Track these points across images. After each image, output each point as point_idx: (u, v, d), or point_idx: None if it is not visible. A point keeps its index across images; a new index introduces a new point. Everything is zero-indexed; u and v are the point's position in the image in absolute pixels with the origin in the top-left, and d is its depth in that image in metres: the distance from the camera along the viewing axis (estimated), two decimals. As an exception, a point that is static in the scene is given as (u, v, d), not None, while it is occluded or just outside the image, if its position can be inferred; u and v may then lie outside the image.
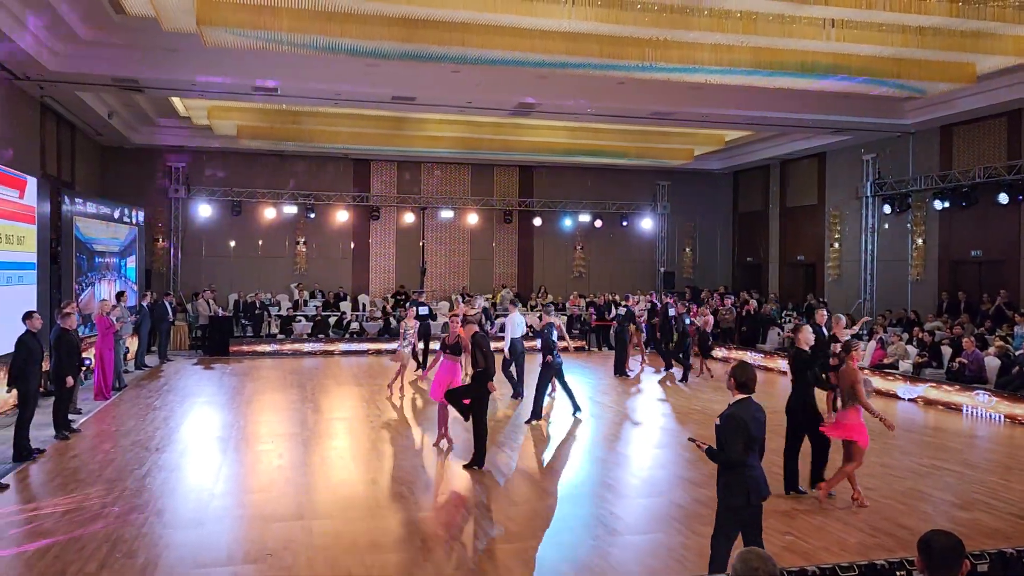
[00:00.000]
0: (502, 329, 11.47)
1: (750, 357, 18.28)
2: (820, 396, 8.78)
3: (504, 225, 25.43)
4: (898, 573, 4.71)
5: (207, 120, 19.40)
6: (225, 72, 14.11)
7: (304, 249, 23.98)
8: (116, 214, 17.53)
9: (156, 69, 13.81)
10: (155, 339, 18.60)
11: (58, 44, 13.15)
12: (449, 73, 14.87)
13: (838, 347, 7.87)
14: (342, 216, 23.76)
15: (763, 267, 25.24)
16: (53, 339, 9.99)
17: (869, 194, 20.40)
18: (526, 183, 25.72)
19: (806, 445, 8.12)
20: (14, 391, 10.50)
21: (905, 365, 14.59)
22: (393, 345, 13.61)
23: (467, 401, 8.53)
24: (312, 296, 23.42)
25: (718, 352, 19.27)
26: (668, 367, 16.49)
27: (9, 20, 11.67)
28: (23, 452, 8.94)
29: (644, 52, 11.98)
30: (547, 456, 9.29)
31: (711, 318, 16.82)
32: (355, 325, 21.91)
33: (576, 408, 11.45)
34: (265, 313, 21.37)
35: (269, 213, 23.09)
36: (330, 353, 19.93)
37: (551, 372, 11.06)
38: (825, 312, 10.60)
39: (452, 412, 9.50)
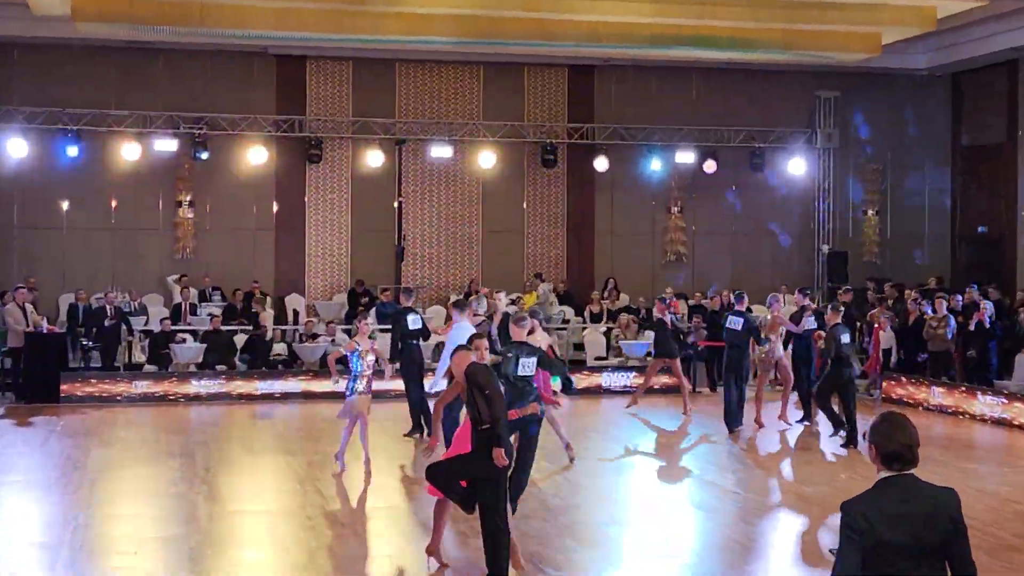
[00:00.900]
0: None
1: (981, 404, 17.93)
2: None
3: (543, 171, 25.58)
4: None
5: (19, -12, 19.42)
6: None
7: (191, 215, 24.16)
8: None
9: None
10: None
11: None
12: None
13: None
14: (257, 156, 23.88)
15: (1005, 241, 25.20)
16: None
17: None
18: (581, 96, 25.75)
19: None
20: None
21: None
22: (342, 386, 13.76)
23: (465, 483, 8.84)
24: (205, 298, 23.55)
25: (915, 392, 18.92)
26: (806, 415, 17.33)
27: None
28: None
29: None
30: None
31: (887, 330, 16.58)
32: (280, 349, 21.84)
33: None
34: (123, 328, 21.45)
35: (129, 152, 23.22)
36: (238, 397, 20.06)
37: (528, 455, 10.70)
38: None
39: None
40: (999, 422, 17.48)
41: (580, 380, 20.54)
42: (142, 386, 19.73)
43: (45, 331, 20.03)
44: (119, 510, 11.85)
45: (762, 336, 16.97)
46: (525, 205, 25.75)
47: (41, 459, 14.71)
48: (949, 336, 19.76)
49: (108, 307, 21.23)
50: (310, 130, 24.42)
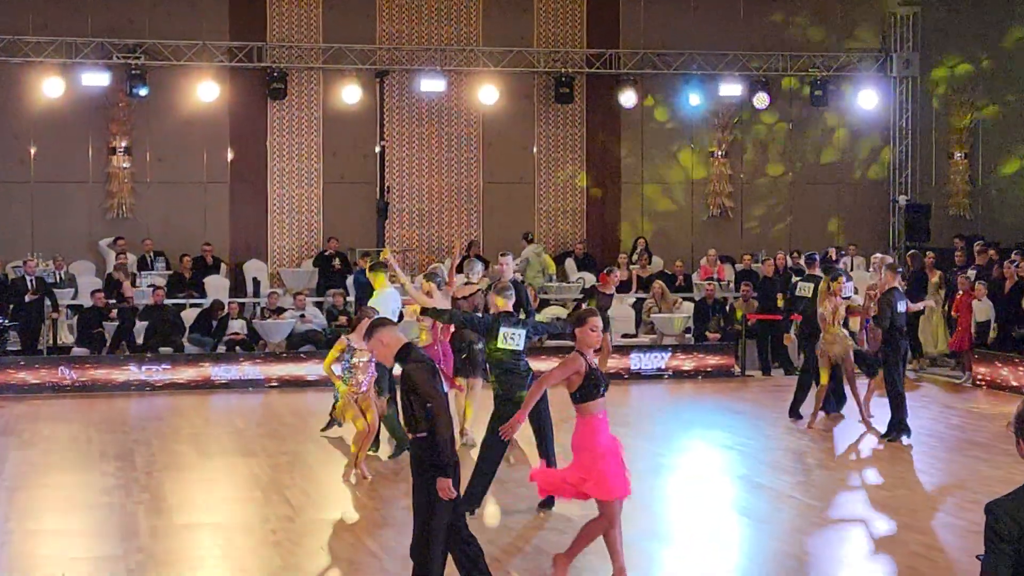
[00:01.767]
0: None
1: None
2: None
3: (557, 108, 25.56)
4: None
5: None
6: None
7: (127, 165, 24.17)
8: None
9: None
10: None
11: None
12: None
13: None
14: (207, 92, 23.85)
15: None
16: None
17: None
18: (603, 15, 25.71)
19: None
20: None
21: None
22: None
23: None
24: (146, 266, 23.57)
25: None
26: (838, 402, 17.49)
27: None
28: None
29: None
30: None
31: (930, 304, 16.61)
32: (238, 325, 21.93)
33: None
34: (46, 303, 21.40)
35: (51, 88, 23.20)
36: (186, 386, 20.13)
37: (497, 452, 11.45)
38: None
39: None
40: None
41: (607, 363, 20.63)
42: (69, 373, 19.74)
43: (-49, 307, 20.08)
44: (43, 525, 11.74)
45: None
46: (535, 150, 25.72)
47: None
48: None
49: (28, 278, 21.15)
50: (271, 60, 24.33)
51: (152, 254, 23.80)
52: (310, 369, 19.87)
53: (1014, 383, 19.09)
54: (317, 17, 24.78)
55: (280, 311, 21.77)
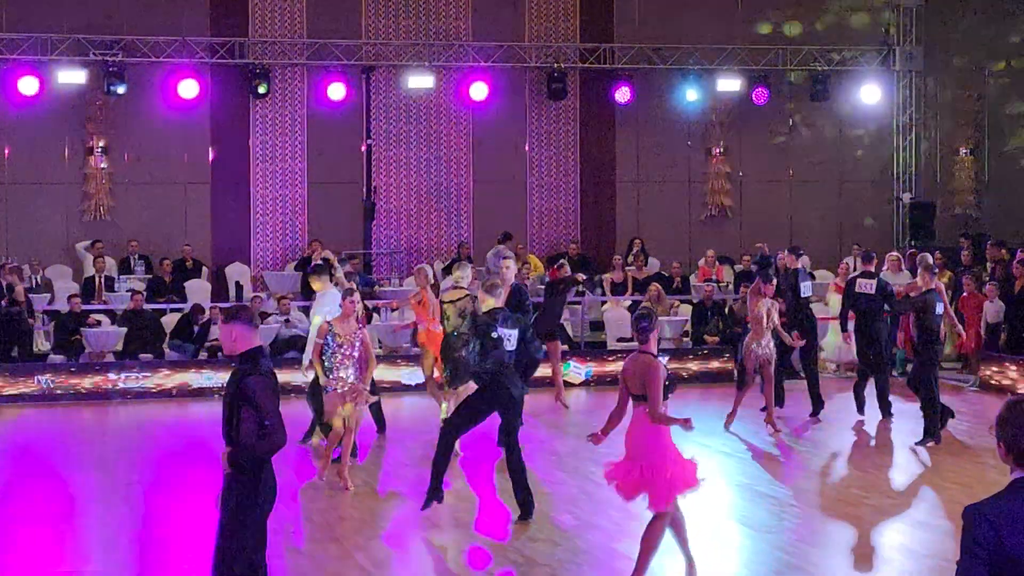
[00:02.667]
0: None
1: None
2: None
3: (549, 105, 25.61)
4: None
5: None
6: None
7: (104, 166, 24.16)
8: None
9: None
10: None
11: None
12: None
13: None
14: (187, 90, 23.80)
15: None
16: None
17: None
18: (597, 7, 25.81)
19: None
20: None
21: None
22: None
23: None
24: (126, 270, 23.55)
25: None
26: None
27: None
28: None
29: None
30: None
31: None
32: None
33: None
34: (22, 310, 21.17)
35: (25, 86, 23.12)
36: (168, 393, 20.13)
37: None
38: None
39: None
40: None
41: (601, 367, 20.59)
42: (45, 381, 19.73)
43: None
44: (15, 538, 11.70)
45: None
46: (527, 148, 25.71)
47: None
48: None
49: (2, 283, 21.02)
50: (253, 56, 24.31)
51: (135, 257, 23.75)
52: (294, 376, 19.84)
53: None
54: (300, 12, 24.75)
55: (263, 316, 21.74)
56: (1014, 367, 19.43)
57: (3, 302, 20.77)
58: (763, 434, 16.59)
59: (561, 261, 19.24)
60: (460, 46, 25.02)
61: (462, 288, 14.53)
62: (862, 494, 13.51)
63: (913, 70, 26.35)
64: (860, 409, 17.42)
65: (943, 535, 11.28)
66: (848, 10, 26.29)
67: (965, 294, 20.63)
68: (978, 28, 26.49)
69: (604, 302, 23.66)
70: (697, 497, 13.16)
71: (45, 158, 23.93)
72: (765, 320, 16.15)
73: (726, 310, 22.64)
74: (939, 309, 15.62)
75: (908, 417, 16.79)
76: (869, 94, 25.99)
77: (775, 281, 16.65)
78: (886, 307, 17.43)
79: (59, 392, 19.72)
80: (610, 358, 20.83)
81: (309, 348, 14.60)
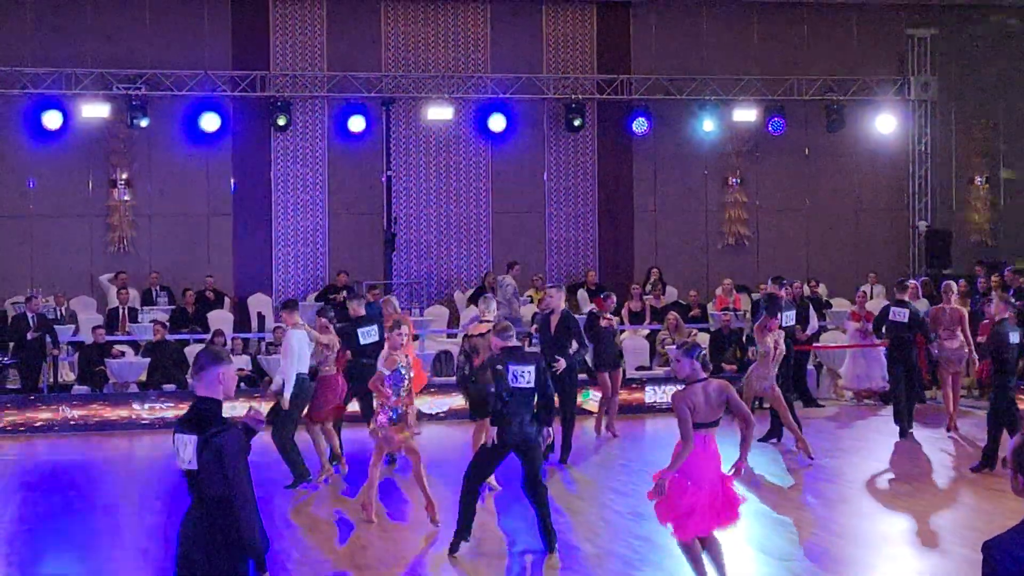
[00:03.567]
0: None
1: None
2: None
3: (567, 136, 25.68)
4: None
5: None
6: None
7: (128, 198, 24.32)
8: None
9: None
10: None
11: None
12: None
13: None
14: (209, 123, 23.98)
15: None
16: None
17: None
18: (614, 40, 25.86)
19: None
20: None
21: None
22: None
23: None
24: (149, 301, 23.63)
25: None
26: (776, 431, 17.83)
27: None
28: None
29: None
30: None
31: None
32: (242, 361, 21.91)
33: None
34: (47, 340, 21.32)
35: (50, 120, 23.32)
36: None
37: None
38: None
39: None
40: None
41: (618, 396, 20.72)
42: (68, 413, 19.78)
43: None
44: (45, 570, 11.66)
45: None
46: (545, 178, 25.81)
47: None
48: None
49: (30, 315, 21.08)
50: (275, 88, 24.48)
51: (157, 289, 23.85)
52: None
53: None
54: (321, 45, 24.91)
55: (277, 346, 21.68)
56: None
57: (28, 333, 20.94)
58: (781, 461, 16.63)
59: (607, 292, 19.30)
60: (479, 78, 25.15)
61: (488, 322, 14.04)
62: (881, 521, 13.52)
63: (929, 99, 26.41)
64: (903, 434, 17.44)
65: (961, 562, 11.27)
66: (863, 40, 26.34)
67: (986, 320, 20.63)
68: (993, 57, 26.56)
69: (623, 331, 23.69)
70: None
71: (69, 191, 24.10)
72: (773, 353, 16.20)
73: (743, 338, 22.69)
74: (1014, 338, 15.45)
75: (928, 443, 16.79)
76: (885, 123, 26.04)
77: (780, 316, 16.70)
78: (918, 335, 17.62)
79: (83, 423, 19.75)
80: (626, 388, 20.87)
81: (286, 369, 14.77)
